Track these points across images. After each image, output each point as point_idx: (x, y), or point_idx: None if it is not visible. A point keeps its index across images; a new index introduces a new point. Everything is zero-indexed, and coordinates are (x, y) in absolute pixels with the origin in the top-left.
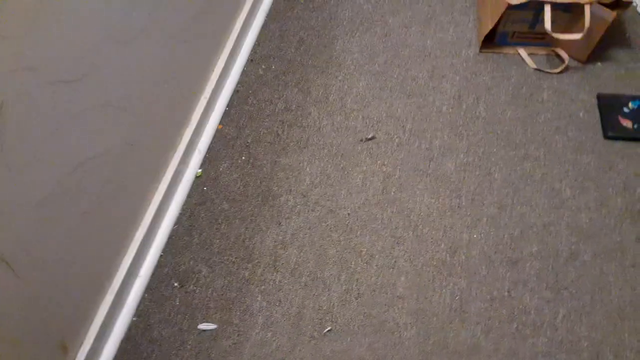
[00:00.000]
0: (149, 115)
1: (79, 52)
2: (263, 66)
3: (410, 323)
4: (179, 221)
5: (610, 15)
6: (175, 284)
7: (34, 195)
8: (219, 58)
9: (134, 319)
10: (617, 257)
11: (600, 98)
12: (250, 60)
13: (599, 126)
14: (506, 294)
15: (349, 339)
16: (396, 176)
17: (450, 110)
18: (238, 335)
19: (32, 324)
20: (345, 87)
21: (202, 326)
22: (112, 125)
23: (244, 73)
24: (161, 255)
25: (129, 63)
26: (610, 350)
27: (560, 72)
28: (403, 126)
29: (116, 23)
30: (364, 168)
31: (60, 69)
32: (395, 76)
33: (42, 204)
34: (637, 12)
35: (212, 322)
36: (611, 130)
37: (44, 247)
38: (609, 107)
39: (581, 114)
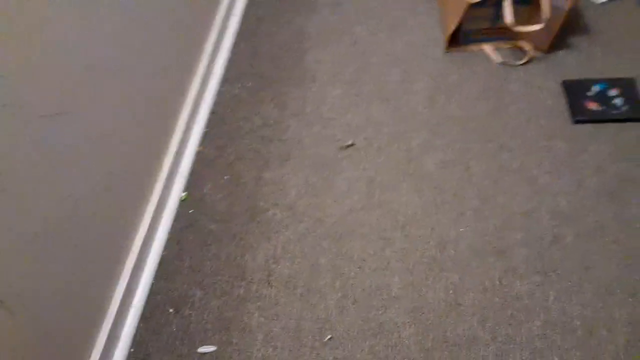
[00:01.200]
0: (129, 146)
1: (59, 88)
2: (238, 85)
3: (408, 322)
4: (168, 246)
5: (566, 3)
6: (170, 310)
7: (31, 228)
8: (192, 82)
9: (132, 350)
10: (598, 236)
11: (565, 85)
12: (225, 80)
13: (567, 112)
14: (497, 282)
15: (349, 345)
16: (379, 179)
17: (425, 110)
18: (239, 354)
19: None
20: (321, 97)
21: (202, 349)
22: (94, 157)
23: (219, 93)
24: (153, 283)
25: (106, 98)
26: (603, 325)
27: (525, 63)
28: (381, 130)
29: (91, 58)
30: (347, 175)
31: (40, 104)
32: (368, 82)
33: (38, 237)
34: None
35: (212, 344)
36: (579, 115)
37: (38, 281)
38: (574, 92)
39: (549, 102)
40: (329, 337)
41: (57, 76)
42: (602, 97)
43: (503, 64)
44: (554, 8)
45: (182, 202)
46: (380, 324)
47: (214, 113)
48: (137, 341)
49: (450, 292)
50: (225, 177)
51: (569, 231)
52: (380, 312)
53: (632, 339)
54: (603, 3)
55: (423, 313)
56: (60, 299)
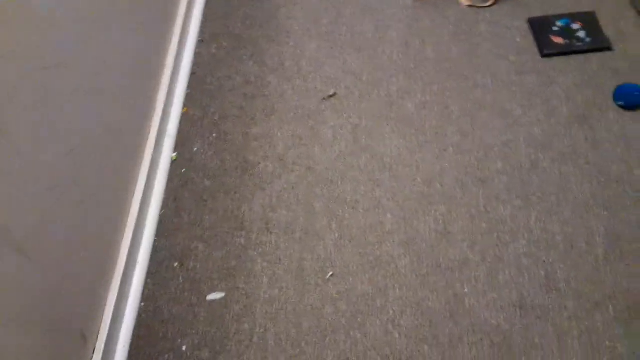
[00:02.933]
0: (119, 103)
1: (56, 40)
2: (214, 45)
3: (403, 253)
4: (165, 205)
5: None
6: (175, 264)
7: (39, 181)
8: (169, 44)
9: (142, 304)
10: (572, 159)
11: (531, 22)
12: (201, 41)
13: (535, 47)
14: (483, 209)
15: (350, 279)
16: (363, 125)
17: (401, 57)
18: (247, 297)
19: (53, 313)
20: (298, 52)
21: (211, 297)
22: (89, 112)
23: (197, 54)
24: (155, 240)
25: (95, 51)
26: (582, 239)
27: (492, 5)
28: (360, 79)
29: (81, 10)
30: (332, 124)
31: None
32: (343, 34)
33: (44, 189)
34: None
35: (220, 292)
36: (546, 49)
37: (51, 233)
38: (540, 28)
39: (518, 39)
40: (330, 274)
41: (53, 29)
42: (566, 32)
43: (471, 6)
44: None
45: (174, 163)
46: (377, 257)
47: (194, 74)
48: (146, 296)
49: (440, 222)
50: (213, 135)
51: (545, 157)
52: (376, 247)
53: (609, 249)
54: None
55: (416, 244)
56: (72, 253)
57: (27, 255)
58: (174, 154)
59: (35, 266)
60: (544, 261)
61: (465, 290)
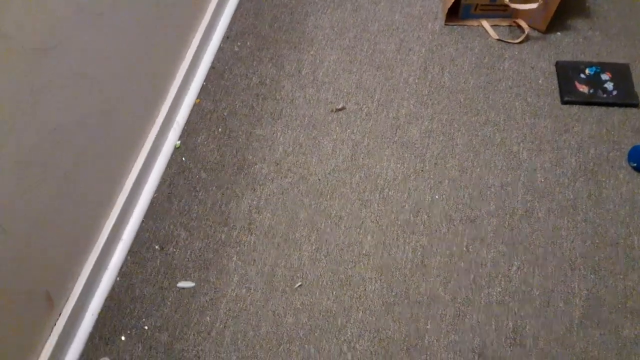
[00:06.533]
0: (125, 88)
1: (53, 21)
2: (238, 43)
3: (374, 278)
4: (159, 189)
5: None
6: (156, 247)
7: (14, 156)
8: (194, 35)
9: (118, 279)
10: (569, 213)
11: (558, 65)
12: (226, 37)
13: (556, 92)
14: (464, 249)
15: (317, 293)
16: (364, 144)
17: (417, 80)
18: (215, 292)
19: (17, 276)
20: (317, 61)
21: (181, 284)
22: (87, 94)
23: (220, 49)
24: (142, 221)
25: (104, 35)
26: (561, 297)
27: (521, 42)
28: (372, 97)
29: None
30: (334, 137)
31: (34, 37)
32: (364, 50)
33: (22, 164)
34: None
35: (191, 281)
36: (568, 95)
37: (29, 206)
38: (566, 73)
39: (540, 81)
40: (299, 284)
41: (48, 10)
42: (593, 81)
43: (500, 40)
44: None
45: (176, 150)
46: (348, 276)
47: (213, 68)
48: (123, 272)
49: (418, 253)
50: (219, 130)
51: (541, 206)
52: (349, 266)
53: (588, 313)
54: None
55: (390, 271)
56: (51, 224)
57: (3, 228)
58: (178, 142)
59: (8, 234)
60: (515, 313)
61: (428, 326)
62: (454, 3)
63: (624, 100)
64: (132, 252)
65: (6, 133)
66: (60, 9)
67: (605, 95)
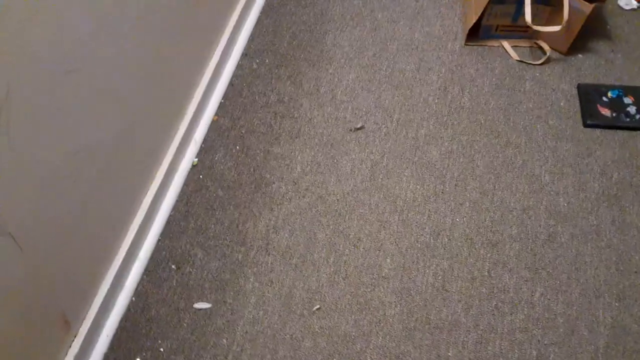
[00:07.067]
0: (145, 107)
1: (76, 43)
2: (257, 60)
3: (394, 302)
4: (176, 207)
5: (587, 7)
6: (173, 266)
7: (35, 176)
8: (214, 52)
9: (133, 299)
10: (593, 239)
11: (580, 88)
12: (245, 55)
13: (578, 115)
14: (486, 273)
15: (336, 317)
16: (383, 164)
17: (436, 100)
18: (231, 313)
19: (34, 297)
20: (336, 79)
21: (198, 305)
22: (109, 114)
23: (239, 67)
24: (159, 240)
25: (124, 53)
26: (585, 326)
27: (542, 63)
28: (391, 116)
29: (109, 15)
30: (353, 156)
31: (60, 59)
32: (383, 69)
33: (42, 186)
34: (618, 5)
35: (207, 302)
36: (590, 119)
37: (47, 225)
38: (588, 96)
39: (562, 103)
40: (317, 307)
41: (71, 32)
42: (616, 104)
43: (520, 61)
44: (574, 10)
45: (193, 168)
46: (367, 300)
47: (232, 85)
48: (139, 291)
49: (439, 277)
50: (237, 147)
51: (564, 231)
52: (369, 289)
53: (612, 342)
54: (633, 9)
55: (410, 295)
56: (68, 243)
57: (16, 242)
58: (196, 159)
59: (24, 252)
60: (539, 341)
61: (450, 353)
62: (475, 23)
63: None
64: (148, 271)
65: (32, 153)
66: (82, 31)
67: (628, 120)
